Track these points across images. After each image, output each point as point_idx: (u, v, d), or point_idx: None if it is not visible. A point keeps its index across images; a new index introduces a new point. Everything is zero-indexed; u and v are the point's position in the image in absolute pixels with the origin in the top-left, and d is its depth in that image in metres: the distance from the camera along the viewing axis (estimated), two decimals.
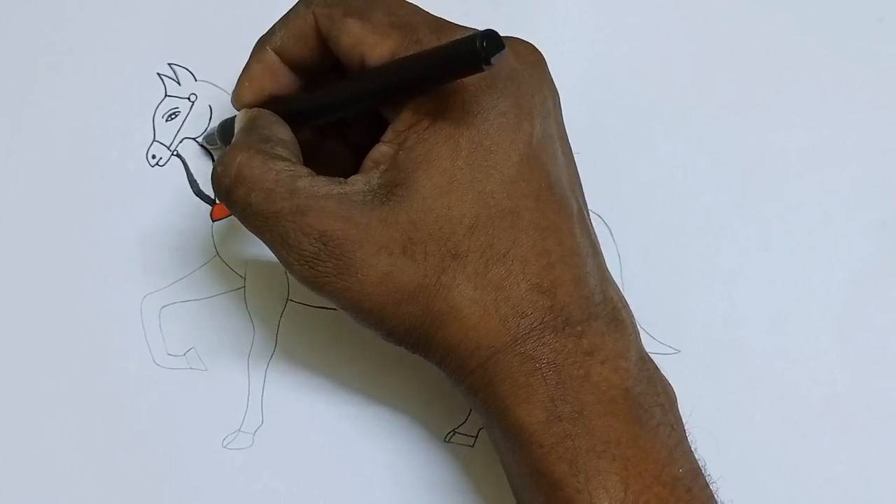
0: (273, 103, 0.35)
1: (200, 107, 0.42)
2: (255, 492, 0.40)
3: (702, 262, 0.41)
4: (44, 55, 0.43)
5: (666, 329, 0.41)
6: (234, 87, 0.36)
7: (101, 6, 0.43)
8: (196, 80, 0.43)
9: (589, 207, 0.41)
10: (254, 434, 0.40)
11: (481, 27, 0.30)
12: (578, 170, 0.35)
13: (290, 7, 0.35)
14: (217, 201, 0.42)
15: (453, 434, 0.40)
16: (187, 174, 0.42)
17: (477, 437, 0.40)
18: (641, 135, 0.42)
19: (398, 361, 0.40)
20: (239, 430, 0.40)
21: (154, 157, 0.42)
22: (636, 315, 0.41)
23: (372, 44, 0.32)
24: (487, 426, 0.34)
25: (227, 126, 0.39)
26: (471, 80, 0.31)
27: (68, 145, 0.42)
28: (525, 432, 0.31)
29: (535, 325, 0.31)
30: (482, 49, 0.28)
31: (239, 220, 0.33)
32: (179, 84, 0.43)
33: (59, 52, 0.43)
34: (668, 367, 0.40)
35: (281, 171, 0.32)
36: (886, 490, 0.39)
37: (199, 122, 0.42)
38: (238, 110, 0.36)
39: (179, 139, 0.42)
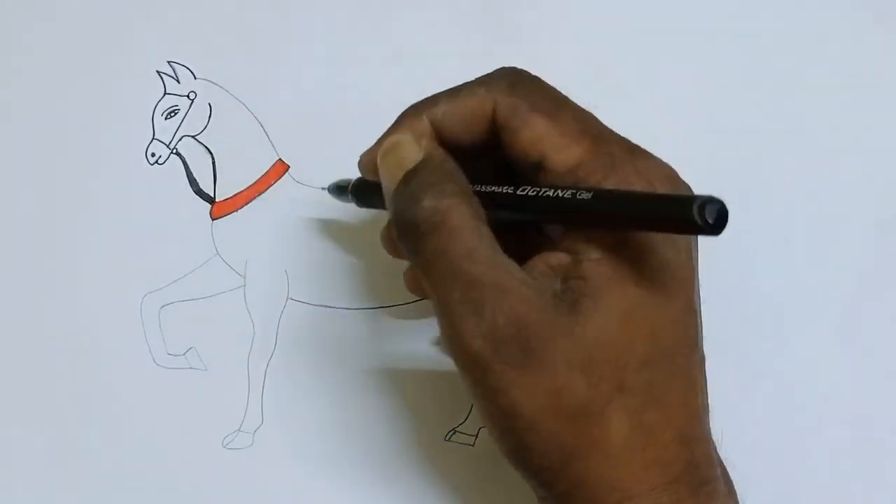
0: None
1: (200, 104, 0.42)
2: (255, 492, 0.39)
3: (701, 262, 0.41)
4: (43, 54, 0.43)
5: None
6: (371, 147, 0.33)
7: (101, 4, 0.43)
8: (195, 77, 0.43)
9: None
10: (254, 434, 0.40)
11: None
12: None
13: (461, 83, 0.33)
14: (217, 200, 0.42)
15: (453, 433, 0.40)
16: (187, 173, 0.42)
17: (477, 436, 0.40)
18: (641, 135, 0.42)
19: (398, 361, 0.40)
20: (239, 430, 0.40)
21: (153, 155, 0.42)
22: None
23: (558, 145, 0.31)
24: None
25: (365, 190, 0.36)
26: None
27: (67, 144, 0.42)
28: None
29: (674, 476, 0.30)
30: (713, 218, 0.26)
31: (416, 263, 0.30)
32: (179, 82, 0.42)
33: (58, 50, 0.43)
34: None
35: (485, 235, 0.30)
36: (887, 490, 0.39)
37: (198, 120, 0.42)
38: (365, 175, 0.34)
39: (179, 137, 0.42)
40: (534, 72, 0.33)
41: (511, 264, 0.30)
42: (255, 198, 0.42)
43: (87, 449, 0.40)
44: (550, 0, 0.43)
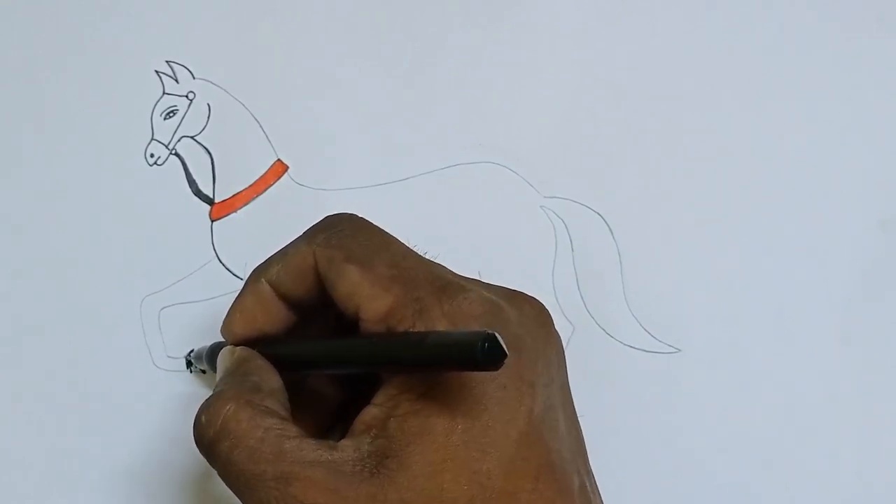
0: (263, 342, 0.34)
1: (198, 105, 0.42)
2: None
3: (702, 262, 0.41)
4: (42, 53, 0.43)
5: (666, 328, 0.41)
6: (225, 316, 0.34)
7: (100, 4, 0.43)
8: (194, 77, 0.42)
9: (589, 206, 0.42)
10: None
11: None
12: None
13: (292, 240, 0.33)
14: (216, 201, 0.42)
15: None
16: (186, 173, 0.42)
17: None
18: (641, 134, 0.42)
19: None
20: None
21: (153, 156, 0.42)
22: (636, 314, 0.42)
23: (370, 296, 0.30)
24: None
25: (216, 353, 0.37)
26: None
27: (66, 144, 0.42)
28: None
29: None
30: (482, 356, 0.26)
31: (218, 474, 0.31)
32: (177, 82, 0.42)
33: (57, 50, 0.43)
34: (668, 367, 0.41)
35: (269, 428, 0.30)
36: (887, 490, 0.39)
37: (197, 120, 0.42)
38: (225, 339, 0.35)
39: (178, 138, 0.42)
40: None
41: (303, 448, 0.29)
42: (254, 198, 0.42)
43: (87, 450, 0.40)
44: None
